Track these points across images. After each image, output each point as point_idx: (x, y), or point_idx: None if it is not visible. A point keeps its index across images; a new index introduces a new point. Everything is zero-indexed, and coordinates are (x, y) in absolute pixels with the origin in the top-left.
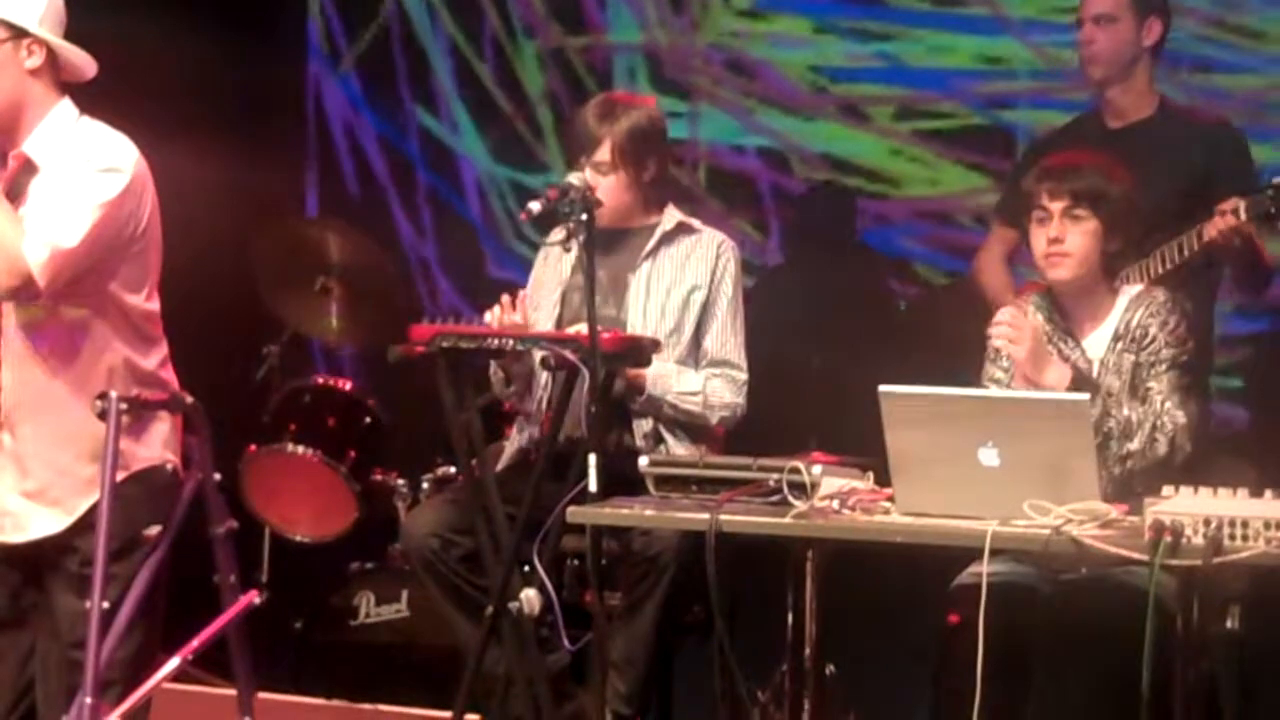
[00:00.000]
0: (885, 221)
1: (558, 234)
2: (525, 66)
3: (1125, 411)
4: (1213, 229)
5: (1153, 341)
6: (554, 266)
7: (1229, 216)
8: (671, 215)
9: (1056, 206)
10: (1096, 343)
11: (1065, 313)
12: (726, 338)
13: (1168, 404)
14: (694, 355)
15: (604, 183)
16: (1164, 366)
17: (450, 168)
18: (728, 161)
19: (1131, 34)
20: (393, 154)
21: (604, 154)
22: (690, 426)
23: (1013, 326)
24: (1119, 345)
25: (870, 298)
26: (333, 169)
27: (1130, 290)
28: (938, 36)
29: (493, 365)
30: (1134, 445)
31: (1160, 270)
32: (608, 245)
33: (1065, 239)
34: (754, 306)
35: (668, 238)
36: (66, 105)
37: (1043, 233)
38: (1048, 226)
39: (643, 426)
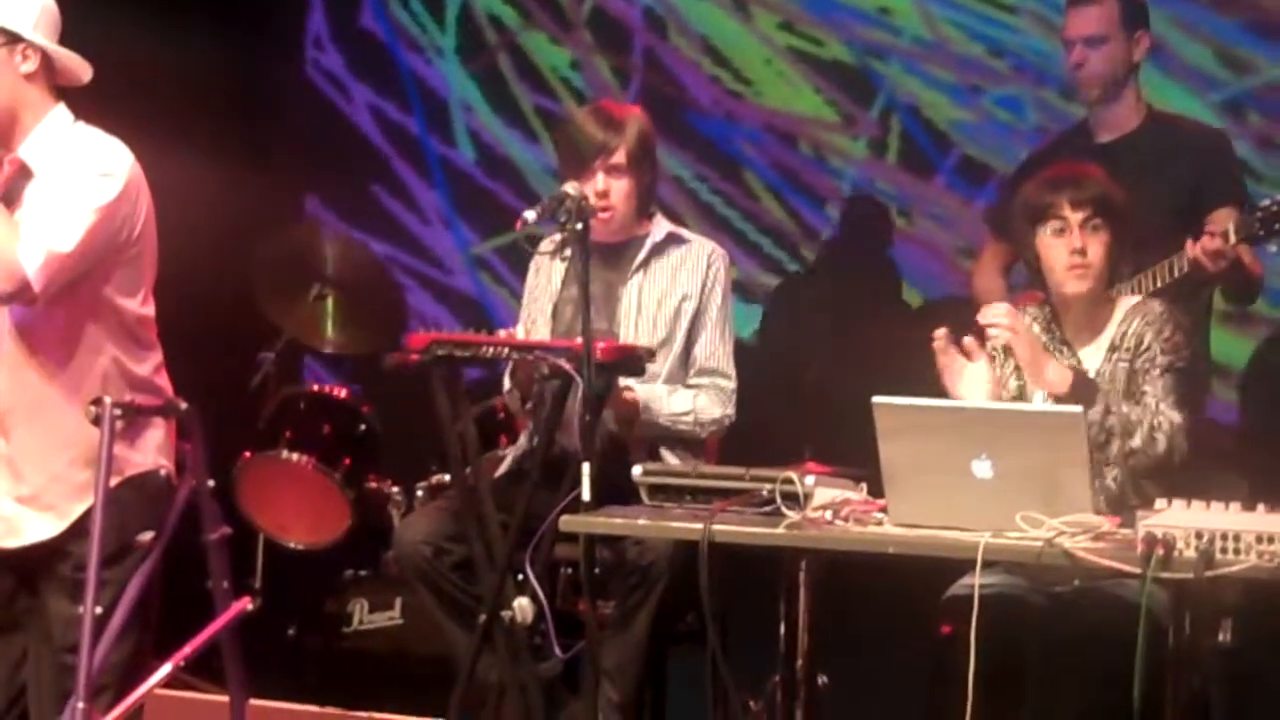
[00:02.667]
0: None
1: (548, 243)
2: None
3: (1124, 409)
4: (1199, 249)
5: (1147, 349)
6: (544, 278)
7: (1216, 239)
8: (661, 225)
9: (1077, 217)
10: (1093, 353)
11: (1062, 323)
12: (715, 346)
13: (1162, 405)
14: (684, 365)
15: (617, 186)
16: (1157, 371)
17: None
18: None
19: (1122, 52)
20: None
21: (620, 157)
22: (684, 440)
23: (1012, 324)
24: (1114, 355)
25: (866, 309)
26: None
27: (1127, 301)
28: None
29: (507, 384)
30: (1135, 443)
31: (1152, 288)
32: (599, 257)
33: (1088, 250)
34: (751, 318)
35: (658, 248)
36: (61, 110)
37: (1062, 244)
38: (1068, 237)
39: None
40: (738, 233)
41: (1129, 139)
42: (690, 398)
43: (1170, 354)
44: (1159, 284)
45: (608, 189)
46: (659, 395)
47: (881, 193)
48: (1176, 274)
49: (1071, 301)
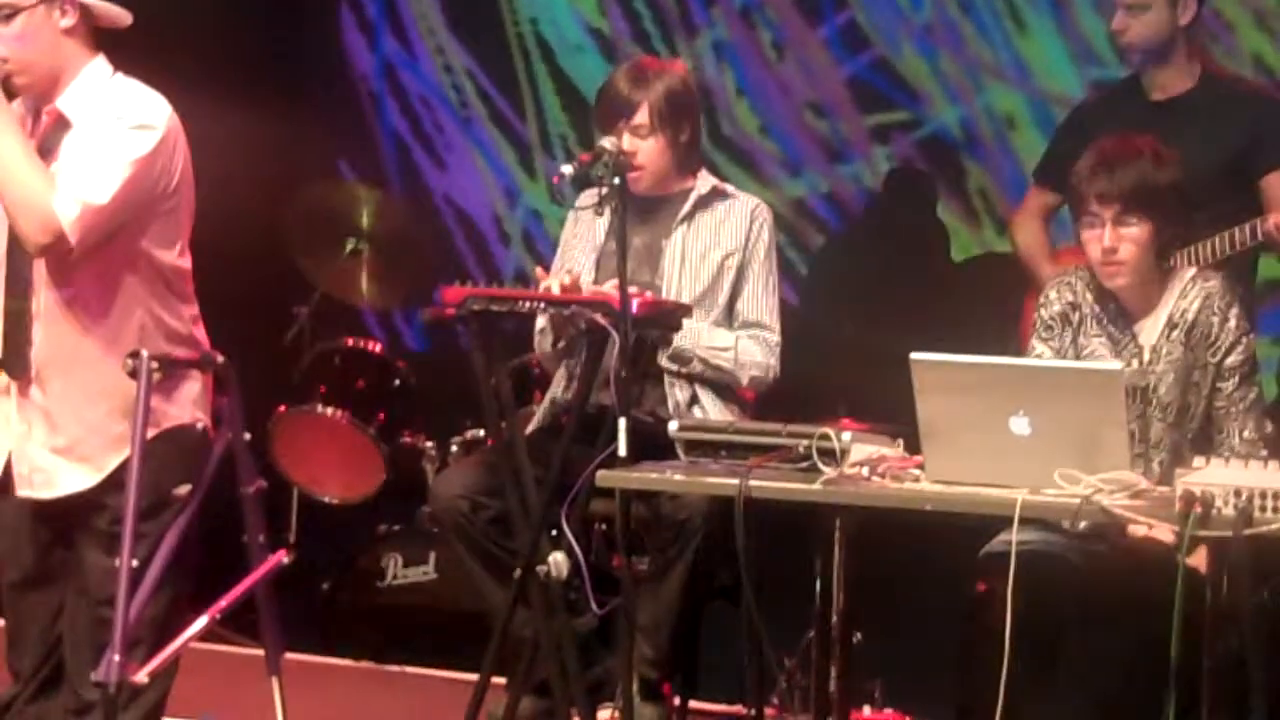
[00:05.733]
0: None
1: (588, 197)
2: None
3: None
4: (1273, 225)
5: (1214, 341)
6: (586, 230)
7: None
8: (706, 180)
9: (1108, 214)
10: (1149, 328)
11: (1117, 294)
12: (759, 299)
13: (1245, 432)
14: (728, 319)
15: (644, 146)
16: (1234, 382)
17: None
18: None
19: (1165, 19)
20: None
21: (642, 117)
22: (724, 389)
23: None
24: (1173, 333)
25: (903, 266)
26: None
27: (1184, 274)
28: None
29: (540, 322)
30: None
31: (1211, 259)
32: (643, 212)
33: (1119, 249)
34: (788, 274)
35: (703, 202)
36: (100, 62)
37: (1094, 238)
38: (1099, 233)
39: (677, 392)
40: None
41: (1182, 100)
42: (733, 337)
43: (1242, 353)
44: (1218, 255)
45: (634, 149)
46: (698, 329)
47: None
48: (1238, 246)
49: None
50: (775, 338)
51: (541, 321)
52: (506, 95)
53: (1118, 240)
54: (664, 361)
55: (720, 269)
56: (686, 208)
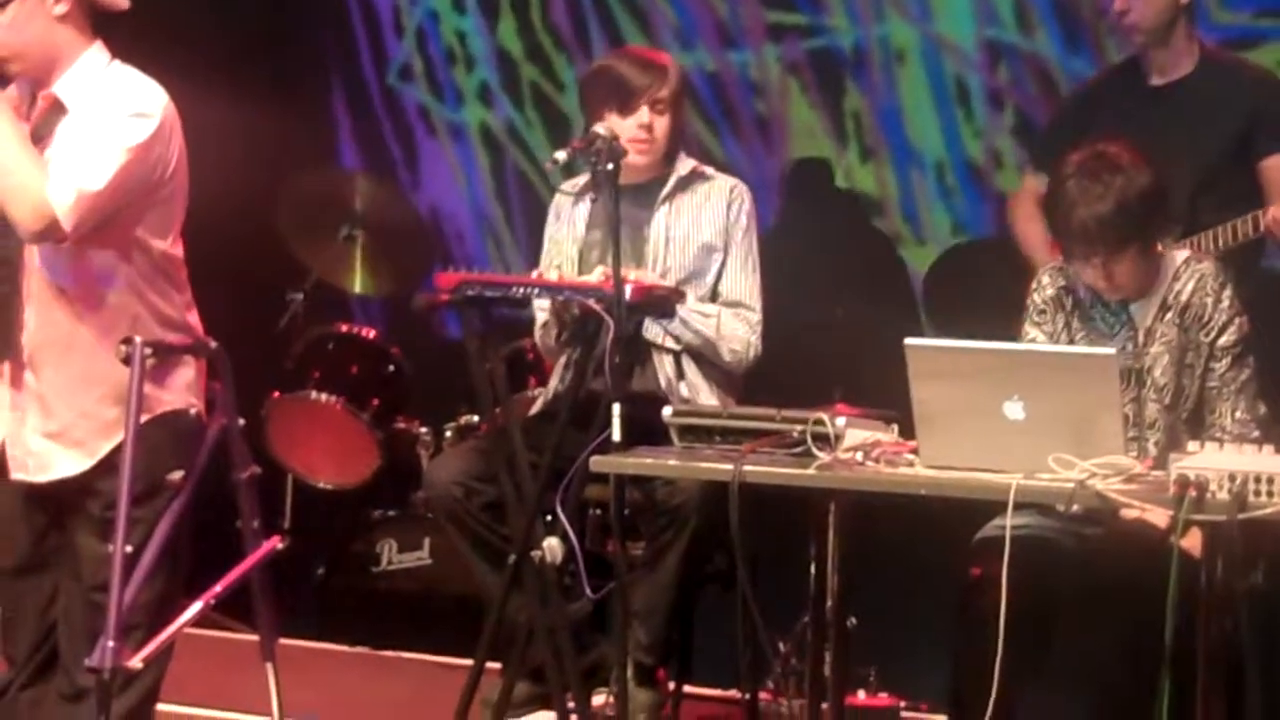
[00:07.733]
0: None
1: (573, 185)
2: None
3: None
4: (1271, 216)
5: (1208, 323)
6: (567, 222)
7: None
8: (685, 162)
9: (1096, 260)
10: (1144, 311)
11: None
12: (739, 279)
13: (1237, 413)
14: (712, 301)
15: (659, 122)
16: (1226, 363)
17: None
18: None
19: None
20: None
21: (664, 93)
22: (711, 367)
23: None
24: (1167, 315)
25: (896, 251)
26: None
27: (1176, 256)
28: None
29: (541, 316)
30: None
31: (1213, 250)
32: (624, 200)
33: (1115, 278)
34: (777, 257)
35: (683, 183)
36: (98, 49)
37: (1088, 275)
38: (1093, 274)
39: (667, 366)
40: None
41: (1183, 83)
42: (716, 308)
43: (1235, 333)
44: (1222, 246)
45: (652, 123)
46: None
47: None
48: (1239, 238)
49: None
50: (756, 316)
51: (543, 316)
52: None
53: (1112, 277)
54: (647, 324)
55: (706, 255)
56: (668, 188)
